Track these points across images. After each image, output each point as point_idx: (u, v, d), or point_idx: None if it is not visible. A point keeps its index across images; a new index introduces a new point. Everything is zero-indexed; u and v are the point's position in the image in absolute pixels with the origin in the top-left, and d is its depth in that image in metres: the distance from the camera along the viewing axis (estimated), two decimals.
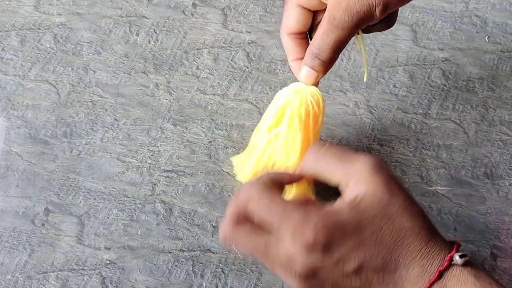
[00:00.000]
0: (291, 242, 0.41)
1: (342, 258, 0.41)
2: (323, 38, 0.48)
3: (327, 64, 0.50)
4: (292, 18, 0.51)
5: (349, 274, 0.41)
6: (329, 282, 0.42)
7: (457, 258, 0.41)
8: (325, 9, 0.48)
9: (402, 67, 0.67)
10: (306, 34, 0.53)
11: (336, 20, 0.46)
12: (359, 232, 0.41)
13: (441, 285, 0.41)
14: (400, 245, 0.41)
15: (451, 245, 0.42)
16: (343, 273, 0.41)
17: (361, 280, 0.41)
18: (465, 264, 0.41)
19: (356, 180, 0.42)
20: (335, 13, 0.46)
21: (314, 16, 0.52)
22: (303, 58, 0.51)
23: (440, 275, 0.40)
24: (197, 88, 0.66)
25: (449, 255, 0.41)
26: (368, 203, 0.41)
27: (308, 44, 0.52)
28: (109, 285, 0.54)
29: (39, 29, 0.70)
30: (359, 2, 0.45)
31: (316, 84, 0.52)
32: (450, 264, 0.41)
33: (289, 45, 0.52)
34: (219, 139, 0.62)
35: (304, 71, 0.51)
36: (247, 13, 0.71)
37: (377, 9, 0.45)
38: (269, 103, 0.64)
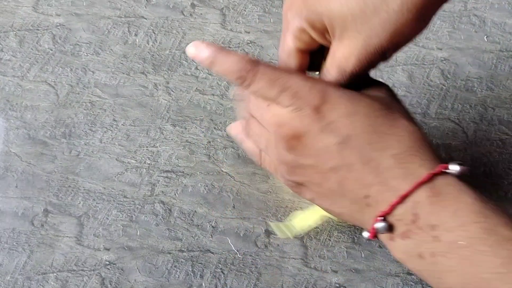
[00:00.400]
0: (287, 108, 0.41)
1: (330, 125, 0.39)
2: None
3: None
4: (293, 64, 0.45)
5: (332, 146, 0.39)
6: (310, 152, 0.40)
7: (455, 165, 0.38)
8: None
9: (401, 66, 0.67)
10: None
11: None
12: (353, 106, 0.40)
13: (430, 191, 0.37)
14: (392, 134, 0.39)
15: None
16: (326, 144, 0.39)
17: (342, 158, 0.39)
18: (462, 175, 0.39)
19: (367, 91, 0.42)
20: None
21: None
22: None
23: (431, 179, 0.38)
24: (196, 88, 0.66)
25: (444, 165, 0.38)
26: (369, 96, 0.41)
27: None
28: (109, 285, 0.54)
29: (38, 29, 0.70)
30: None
31: None
32: (445, 173, 0.38)
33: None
34: (218, 139, 0.62)
35: None
36: (246, 13, 0.71)
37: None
38: None
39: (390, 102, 0.42)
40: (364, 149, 0.39)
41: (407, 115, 0.42)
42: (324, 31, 0.42)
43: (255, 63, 0.41)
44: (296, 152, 0.41)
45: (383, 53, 0.40)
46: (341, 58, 0.41)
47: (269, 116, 0.42)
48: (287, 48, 0.44)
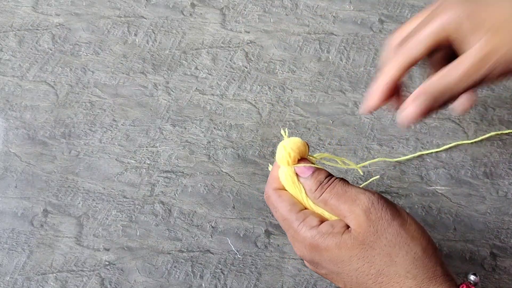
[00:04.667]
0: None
1: (328, 275, 0.44)
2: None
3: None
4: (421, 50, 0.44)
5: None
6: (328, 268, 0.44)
7: None
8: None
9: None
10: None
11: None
12: (336, 265, 0.42)
13: None
14: (390, 283, 0.40)
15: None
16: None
17: None
18: None
19: (350, 216, 0.42)
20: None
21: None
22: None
23: None
24: (196, 88, 0.66)
25: None
26: (350, 242, 0.42)
27: None
28: (108, 286, 0.54)
29: (37, 29, 0.70)
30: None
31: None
32: None
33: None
34: (218, 139, 0.62)
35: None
36: (245, 13, 0.71)
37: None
38: (268, 103, 0.64)
39: (374, 237, 0.41)
40: None
41: (393, 248, 0.41)
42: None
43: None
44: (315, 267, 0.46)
45: None
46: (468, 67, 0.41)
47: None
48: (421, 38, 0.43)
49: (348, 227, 0.42)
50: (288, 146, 0.45)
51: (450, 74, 0.41)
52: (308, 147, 0.46)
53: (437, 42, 0.42)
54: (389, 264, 0.40)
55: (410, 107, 0.43)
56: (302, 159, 0.45)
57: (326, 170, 0.45)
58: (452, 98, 0.42)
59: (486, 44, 0.39)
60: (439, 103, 0.43)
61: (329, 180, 0.44)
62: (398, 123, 0.45)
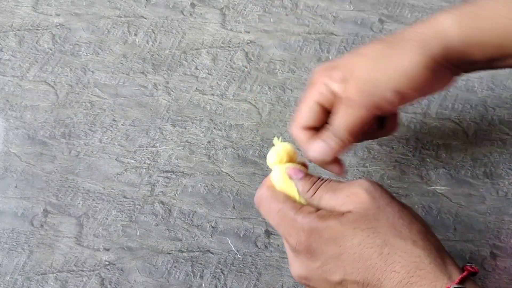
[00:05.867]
0: (286, 245, 0.45)
1: (325, 266, 0.42)
2: (338, 118, 0.47)
3: (344, 143, 0.48)
4: (307, 114, 0.49)
5: (334, 284, 0.42)
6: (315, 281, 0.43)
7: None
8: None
9: None
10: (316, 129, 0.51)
11: (350, 100, 0.46)
12: (337, 244, 0.41)
13: None
14: (383, 262, 0.39)
15: (459, 271, 0.39)
16: (329, 282, 0.42)
17: None
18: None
19: (349, 199, 0.42)
20: (349, 94, 0.46)
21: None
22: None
23: None
24: (196, 88, 0.66)
25: (446, 287, 0.37)
26: (353, 217, 0.41)
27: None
28: (108, 286, 0.54)
29: (37, 29, 0.70)
30: (374, 86, 0.45)
31: (326, 163, 0.50)
32: None
33: (302, 137, 0.50)
34: (218, 140, 0.62)
35: (318, 145, 0.48)
36: (245, 13, 0.71)
37: (388, 93, 0.45)
38: (268, 103, 0.64)
39: (375, 217, 0.41)
40: (363, 286, 0.40)
41: (398, 224, 0.41)
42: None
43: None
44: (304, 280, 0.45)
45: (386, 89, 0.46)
46: (347, 92, 0.47)
47: (286, 245, 0.46)
48: (307, 100, 0.49)
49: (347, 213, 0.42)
50: (281, 149, 0.47)
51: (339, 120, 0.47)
52: (297, 154, 0.47)
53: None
54: (394, 234, 0.40)
55: (318, 142, 0.48)
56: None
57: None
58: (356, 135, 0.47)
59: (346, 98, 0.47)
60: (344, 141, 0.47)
61: (322, 179, 0.44)
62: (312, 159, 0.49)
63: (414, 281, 0.38)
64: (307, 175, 0.45)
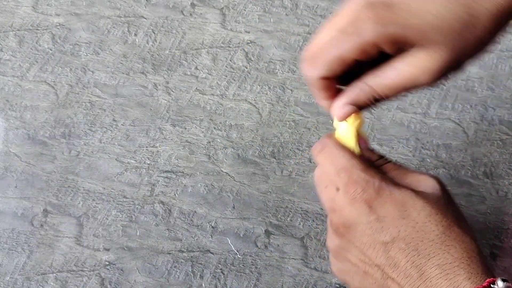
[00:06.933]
0: (330, 190, 0.42)
1: (380, 222, 0.40)
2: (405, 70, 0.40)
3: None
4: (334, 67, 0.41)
5: (379, 244, 0.40)
6: (356, 244, 0.41)
7: (501, 282, 0.39)
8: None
9: None
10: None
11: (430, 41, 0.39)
12: (404, 208, 0.40)
13: None
14: (441, 242, 0.40)
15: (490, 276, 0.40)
16: (373, 239, 0.40)
17: (387, 256, 0.40)
18: None
19: (420, 183, 0.42)
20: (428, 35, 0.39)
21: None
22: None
23: None
24: (196, 88, 0.66)
25: (490, 279, 0.39)
26: (427, 195, 0.41)
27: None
28: (108, 286, 0.54)
29: (37, 29, 0.70)
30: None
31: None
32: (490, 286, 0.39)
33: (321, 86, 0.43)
34: (218, 139, 0.62)
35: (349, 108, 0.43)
36: (245, 13, 0.71)
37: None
38: (268, 103, 0.64)
39: (445, 204, 0.42)
40: (410, 254, 0.40)
41: (461, 220, 0.42)
42: (401, 44, 0.39)
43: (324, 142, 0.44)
44: (343, 240, 0.43)
45: (461, 65, 0.40)
46: (415, 70, 0.39)
47: (325, 198, 0.44)
48: (339, 55, 0.40)
49: None
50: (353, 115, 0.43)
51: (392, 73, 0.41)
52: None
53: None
54: (458, 225, 0.41)
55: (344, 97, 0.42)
56: None
57: None
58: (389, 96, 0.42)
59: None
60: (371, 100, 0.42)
61: (386, 158, 0.44)
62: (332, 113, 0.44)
63: (456, 272, 0.39)
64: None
